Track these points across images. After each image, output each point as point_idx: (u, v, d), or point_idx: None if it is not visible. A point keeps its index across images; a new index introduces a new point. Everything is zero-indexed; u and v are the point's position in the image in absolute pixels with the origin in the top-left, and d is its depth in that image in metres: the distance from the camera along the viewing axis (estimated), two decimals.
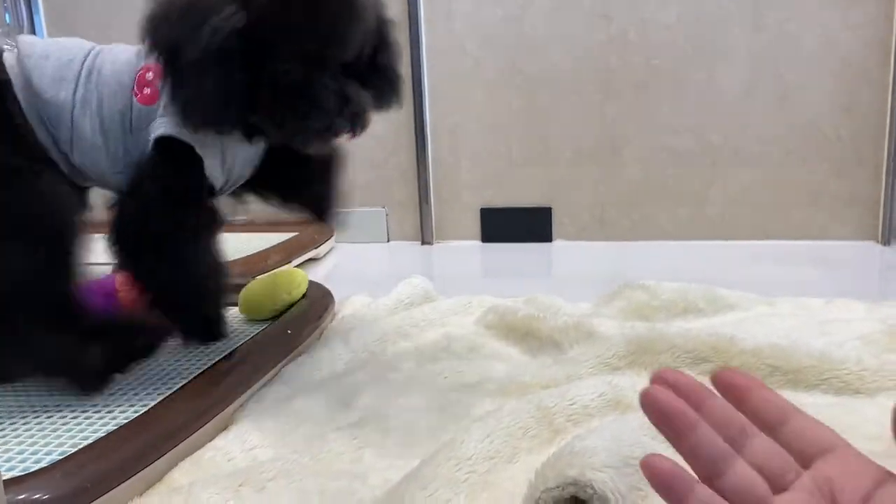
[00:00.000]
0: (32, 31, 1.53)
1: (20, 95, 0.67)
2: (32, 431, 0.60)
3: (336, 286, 0.98)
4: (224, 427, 0.64)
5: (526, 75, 1.36)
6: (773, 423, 0.34)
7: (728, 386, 0.35)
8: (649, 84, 1.32)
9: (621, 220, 1.39)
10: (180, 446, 0.59)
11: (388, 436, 0.60)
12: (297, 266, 1.24)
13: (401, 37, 1.35)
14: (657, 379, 0.35)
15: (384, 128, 1.43)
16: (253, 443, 0.61)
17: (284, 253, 1.19)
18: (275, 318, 0.86)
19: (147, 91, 0.68)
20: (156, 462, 0.56)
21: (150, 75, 0.68)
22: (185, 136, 0.67)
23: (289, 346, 0.78)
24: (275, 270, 0.94)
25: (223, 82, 0.62)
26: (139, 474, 0.54)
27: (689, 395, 0.34)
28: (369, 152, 1.44)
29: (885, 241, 1.28)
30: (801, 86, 1.27)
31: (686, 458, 0.33)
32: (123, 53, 0.71)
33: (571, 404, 0.62)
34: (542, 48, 1.35)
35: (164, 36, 0.62)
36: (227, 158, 0.71)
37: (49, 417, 0.62)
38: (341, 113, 0.65)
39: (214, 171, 0.70)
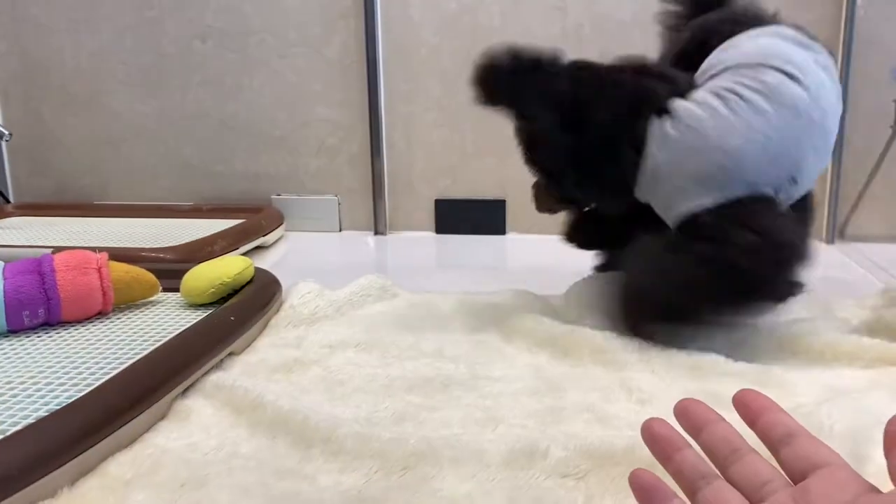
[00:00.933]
0: None
1: None
2: None
3: (285, 275, 0.95)
4: (162, 416, 0.62)
5: None
6: (777, 442, 0.36)
7: (742, 405, 0.39)
8: None
9: None
10: (115, 435, 0.56)
11: (338, 436, 0.58)
12: (245, 254, 1.21)
13: (356, 23, 1.34)
14: (676, 409, 0.40)
15: (337, 114, 1.40)
16: (193, 436, 0.59)
17: (231, 239, 1.16)
18: (218, 303, 0.84)
19: None
20: (88, 450, 0.53)
21: None
22: None
23: (232, 333, 0.75)
24: (220, 256, 0.91)
25: None
26: (70, 462, 0.52)
27: (696, 420, 0.39)
28: (321, 138, 1.41)
29: (829, 240, 1.31)
30: None
31: (673, 478, 0.38)
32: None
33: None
34: (498, 39, 1.33)
35: None
36: None
37: None
38: None
39: None
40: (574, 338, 0.77)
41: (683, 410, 0.40)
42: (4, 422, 0.56)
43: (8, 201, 1.51)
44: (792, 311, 0.89)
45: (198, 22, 1.41)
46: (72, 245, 1.12)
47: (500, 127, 1.41)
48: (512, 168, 1.38)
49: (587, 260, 0.99)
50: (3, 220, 1.38)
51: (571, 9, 1.31)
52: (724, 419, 0.39)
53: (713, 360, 0.70)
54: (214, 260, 0.89)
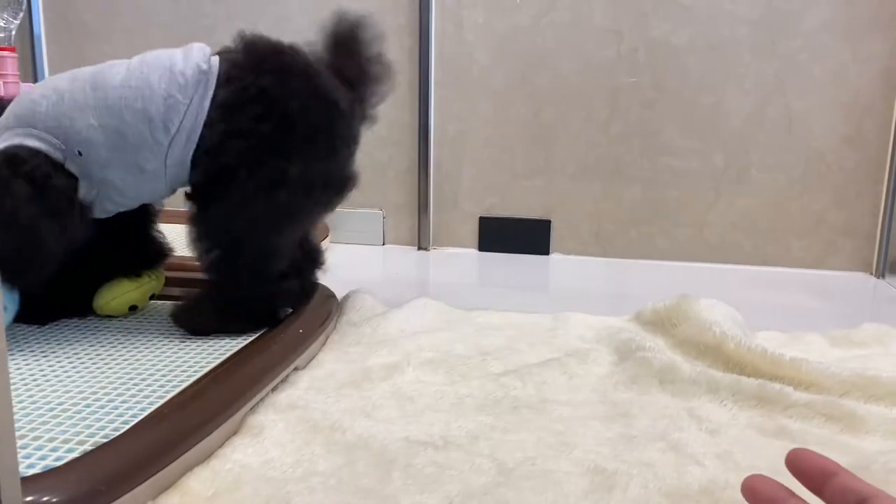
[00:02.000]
0: (28, 9, 1.48)
1: None
2: (35, 426, 0.57)
3: (331, 287, 0.96)
4: (234, 431, 0.62)
5: (534, 87, 1.35)
6: (819, 483, 0.38)
7: (800, 471, 0.41)
8: (656, 104, 1.32)
9: (619, 238, 1.38)
10: (193, 450, 0.56)
11: (416, 463, 0.58)
12: None
13: (410, 41, 1.35)
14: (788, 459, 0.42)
15: (387, 129, 1.41)
16: (269, 452, 0.59)
17: None
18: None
19: None
20: (169, 466, 0.54)
21: None
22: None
23: (299, 347, 0.76)
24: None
25: None
26: (153, 477, 0.52)
27: (810, 472, 0.40)
28: (370, 153, 1.42)
29: (880, 274, 1.29)
30: (808, 115, 1.28)
31: None
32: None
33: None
34: (551, 61, 1.34)
35: None
36: None
37: (64, 413, 0.59)
38: None
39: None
40: (642, 364, 0.76)
41: (796, 460, 0.40)
42: (81, 433, 0.56)
43: None
44: (849, 344, 0.90)
45: (250, 32, 1.43)
46: None
47: (550, 148, 1.42)
48: (559, 189, 1.38)
49: (637, 283, 0.98)
50: None
51: (627, 33, 1.31)
52: (841, 469, 0.39)
53: (779, 390, 0.69)
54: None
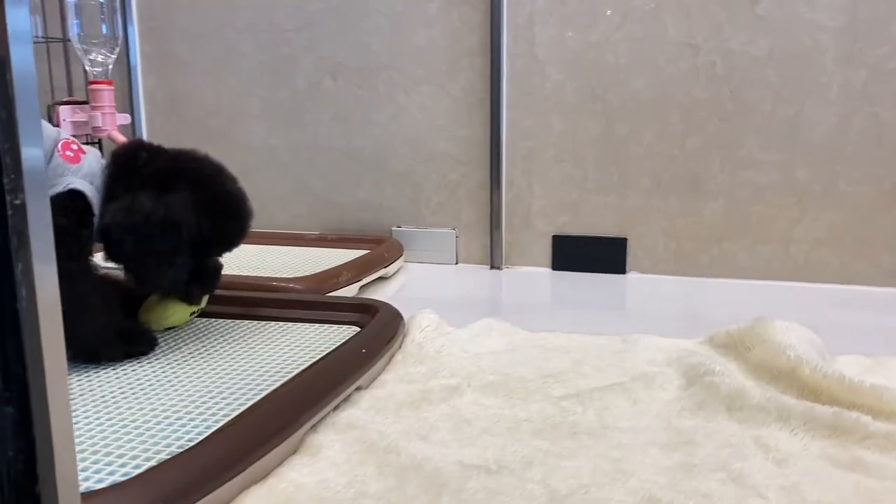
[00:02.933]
0: (126, 43, 1.58)
1: None
2: (108, 442, 0.60)
3: (403, 307, 0.97)
4: (294, 450, 0.64)
5: (606, 102, 1.34)
6: None
7: None
8: (734, 117, 1.28)
9: (699, 256, 1.34)
10: (252, 468, 0.58)
11: (468, 488, 0.58)
12: (366, 285, 1.24)
13: (481, 60, 1.36)
14: None
15: (459, 149, 1.42)
16: (324, 472, 0.60)
17: (355, 271, 1.19)
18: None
19: (70, 154, 0.80)
20: (226, 484, 0.55)
21: (75, 146, 0.82)
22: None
23: (361, 368, 0.77)
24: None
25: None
26: (210, 495, 0.54)
27: None
28: (442, 173, 1.44)
29: None
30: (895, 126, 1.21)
31: None
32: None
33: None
34: (623, 76, 1.32)
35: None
36: None
37: (136, 429, 0.62)
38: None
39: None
40: (709, 389, 0.74)
41: None
42: (149, 449, 0.59)
43: None
44: None
45: (329, 59, 1.47)
46: None
47: (623, 164, 1.40)
48: (634, 206, 1.36)
49: (718, 304, 0.95)
50: None
51: (703, 45, 1.28)
52: None
53: (856, 419, 0.66)
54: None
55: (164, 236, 0.78)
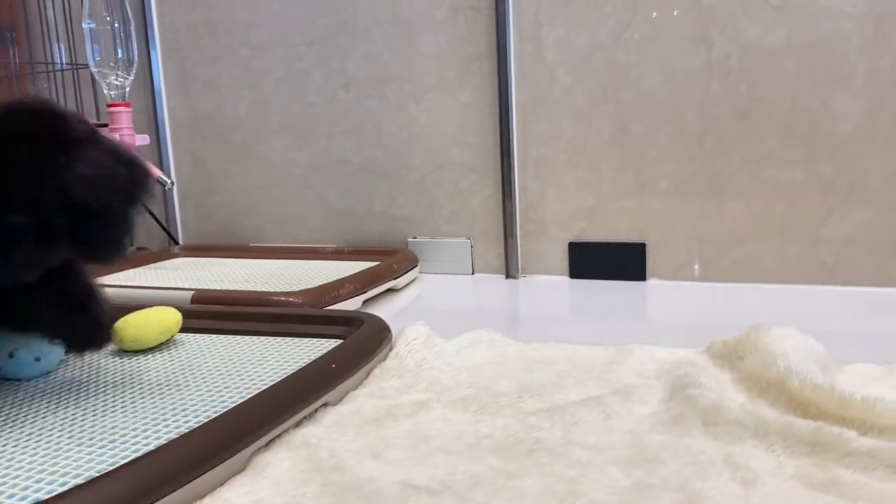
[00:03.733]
0: (149, 66, 1.62)
1: None
2: (37, 462, 0.60)
3: (414, 319, 0.95)
4: (240, 469, 0.63)
5: (618, 103, 1.29)
6: None
7: None
8: (753, 112, 1.22)
9: (721, 260, 1.28)
10: (188, 487, 0.57)
11: (408, 501, 0.56)
12: (374, 297, 1.23)
13: (489, 66, 1.34)
14: None
15: (471, 157, 1.40)
16: (262, 492, 0.59)
17: (359, 283, 1.18)
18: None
19: None
20: (158, 502, 0.55)
21: None
22: None
23: (326, 385, 0.75)
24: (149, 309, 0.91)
25: None
26: None
27: None
28: (455, 181, 1.42)
29: None
30: None
31: None
32: None
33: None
34: (635, 75, 1.27)
35: None
36: None
37: (56, 448, 0.62)
38: None
39: None
40: (687, 403, 0.69)
41: None
42: (80, 467, 0.59)
43: (176, 243, 1.64)
44: None
45: (341, 72, 1.47)
46: (207, 287, 1.19)
47: (639, 166, 1.35)
48: (652, 209, 1.30)
49: (742, 312, 0.89)
50: (169, 260, 1.50)
51: (717, 38, 1.22)
52: None
53: (838, 435, 0.60)
54: (144, 312, 0.89)
55: None
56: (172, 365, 0.84)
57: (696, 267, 1.28)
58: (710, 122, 1.25)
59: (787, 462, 0.60)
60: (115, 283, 1.21)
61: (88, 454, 0.61)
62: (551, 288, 1.34)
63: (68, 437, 0.65)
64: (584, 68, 1.30)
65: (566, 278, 1.37)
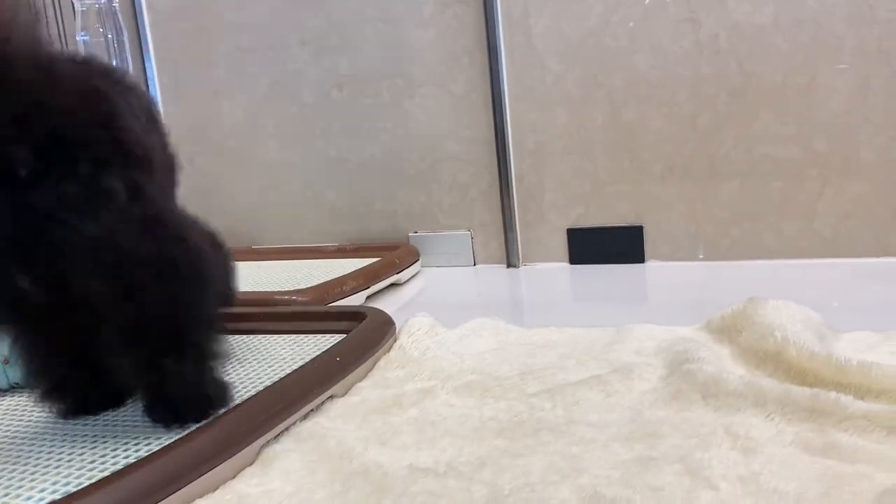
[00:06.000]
0: (144, 75, 1.63)
1: None
2: (62, 458, 0.61)
3: (418, 312, 0.96)
4: (250, 461, 0.64)
5: (609, 89, 1.30)
6: None
7: None
8: (745, 91, 1.22)
9: (720, 239, 1.29)
10: (200, 480, 0.58)
11: (411, 491, 0.57)
12: (378, 292, 1.24)
13: (480, 57, 1.35)
14: None
15: (467, 149, 1.41)
16: (273, 482, 0.60)
17: (362, 279, 1.19)
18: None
19: None
20: (172, 496, 0.56)
21: None
22: None
23: (332, 378, 0.76)
24: None
25: None
26: None
27: None
28: (452, 174, 1.43)
29: None
30: None
31: None
32: None
33: None
34: (625, 60, 1.28)
35: None
36: None
37: (80, 444, 0.64)
38: None
39: None
40: (686, 378, 0.70)
41: None
42: (107, 460, 0.60)
43: None
44: None
45: (334, 72, 1.48)
46: None
47: (633, 150, 1.35)
48: (648, 192, 1.31)
49: (741, 289, 0.89)
50: None
51: (705, 19, 1.23)
52: None
53: (835, 400, 0.61)
54: None
55: None
56: None
57: (700, 254, 1.29)
58: (703, 102, 1.26)
59: (786, 429, 0.61)
60: None
61: (103, 452, 0.62)
62: (552, 275, 1.35)
63: (81, 436, 0.66)
64: (574, 55, 1.31)
65: (566, 265, 1.38)
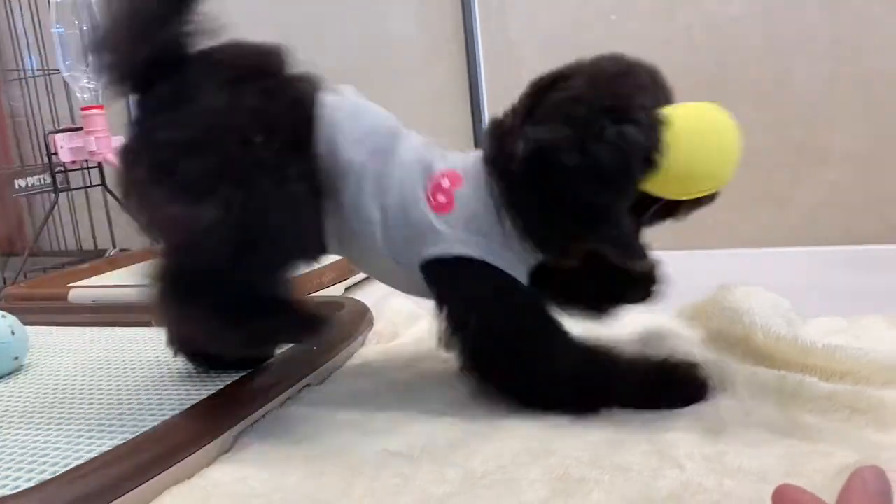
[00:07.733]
0: None
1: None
2: (37, 446, 0.62)
3: (395, 302, 0.97)
4: (227, 449, 0.64)
5: None
6: None
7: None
8: (719, 82, 1.24)
9: (694, 227, 1.29)
10: (174, 468, 0.59)
11: (382, 475, 0.58)
12: (354, 285, 1.24)
13: (458, 49, 1.35)
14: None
15: (444, 140, 1.41)
16: (247, 469, 0.60)
17: (338, 271, 1.19)
18: None
19: (441, 199, 0.67)
20: (146, 483, 0.56)
21: (446, 182, 0.67)
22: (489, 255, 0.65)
23: (308, 367, 0.77)
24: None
25: None
26: (130, 493, 0.55)
27: None
28: None
29: None
30: (889, 73, 1.15)
31: None
32: (416, 145, 0.71)
33: None
34: (601, 52, 1.29)
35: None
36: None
37: (55, 433, 0.64)
38: None
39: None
40: None
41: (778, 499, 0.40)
42: (70, 455, 0.61)
43: None
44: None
45: (312, 65, 1.48)
46: None
47: None
48: None
49: (713, 275, 0.90)
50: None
51: (678, 10, 1.24)
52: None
53: (800, 381, 0.62)
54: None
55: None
56: (157, 354, 0.85)
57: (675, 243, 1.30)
58: (678, 93, 1.26)
59: (753, 410, 0.62)
60: (102, 283, 1.22)
61: (77, 441, 0.63)
62: None
63: (56, 426, 0.66)
64: (549, 46, 1.32)
65: None
